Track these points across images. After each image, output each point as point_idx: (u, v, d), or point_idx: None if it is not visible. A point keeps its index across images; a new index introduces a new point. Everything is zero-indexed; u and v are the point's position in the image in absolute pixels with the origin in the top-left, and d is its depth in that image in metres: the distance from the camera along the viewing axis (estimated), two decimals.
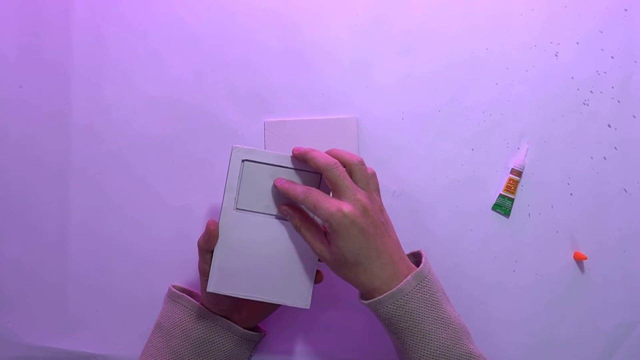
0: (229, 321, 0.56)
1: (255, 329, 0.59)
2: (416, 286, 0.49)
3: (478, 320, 0.61)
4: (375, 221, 0.49)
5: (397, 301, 0.48)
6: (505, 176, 0.62)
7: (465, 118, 0.63)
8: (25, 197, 0.63)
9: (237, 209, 0.53)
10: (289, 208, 0.52)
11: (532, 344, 0.61)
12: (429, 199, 0.62)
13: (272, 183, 0.53)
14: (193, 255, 0.58)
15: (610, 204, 0.62)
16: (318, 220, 0.52)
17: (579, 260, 0.62)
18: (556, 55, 0.63)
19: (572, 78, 0.63)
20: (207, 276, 0.53)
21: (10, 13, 0.64)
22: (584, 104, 0.63)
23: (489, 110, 0.63)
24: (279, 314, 0.62)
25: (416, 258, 0.55)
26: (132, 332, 0.62)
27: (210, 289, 0.52)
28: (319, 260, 0.52)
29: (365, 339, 0.62)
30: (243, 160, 0.52)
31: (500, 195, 0.62)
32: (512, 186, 0.62)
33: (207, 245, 0.52)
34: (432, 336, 0.48)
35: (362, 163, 0.51)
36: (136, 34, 0.64)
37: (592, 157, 0.63)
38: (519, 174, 0.62)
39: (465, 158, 0.63)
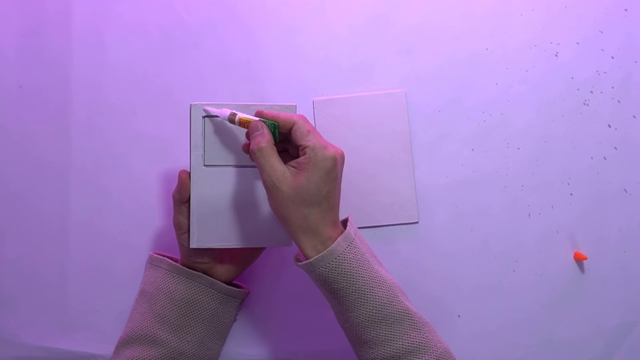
0: (211, 278, 0.56)
1: (238, 287, 0.59)
2: (346, 247, 0.49)
3: (478, 320, 0.61)
4: (340, 174, 0.50)
5: (330, 262, 0.48)
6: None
7: (465, 118, 0.63)
8: (25, 197, 0.63)
9: (205, 165, 0.53)
10: (260, 122, 0.50)
11: (532, 344, 0.61)
12: (429, 199, 0.62)
13: (236, 134, 0.53)
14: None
15: (610, 204, 0.62)
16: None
17: (579, 260, 0.62)
18: (556, 55, 0.63)
19: (572, 78, 0.63)
20: (183, 230, 0.54)
21: (10, 13, 0.64)
22: (584, 104, 0.63)
23: (489, 110, 0.63)
24: (279, 315, 0.62)
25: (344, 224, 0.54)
26: None
27: (193, 245, 0.53)
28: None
29: None
30: (204, 117, 0.53)
31: None
32: None
33: (181, 196, 0.54)
34: (368, 295, 0.48)
35: (304, 118, 0.51)
36: (136, 34, 0.64)
37: (592, 157, 0.63)
38: None
39: (465, 158, 0.63)
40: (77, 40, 0.64)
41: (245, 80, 0.64)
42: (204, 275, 0.56)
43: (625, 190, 0.63)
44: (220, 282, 0.57)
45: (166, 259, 0.58)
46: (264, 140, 0.49)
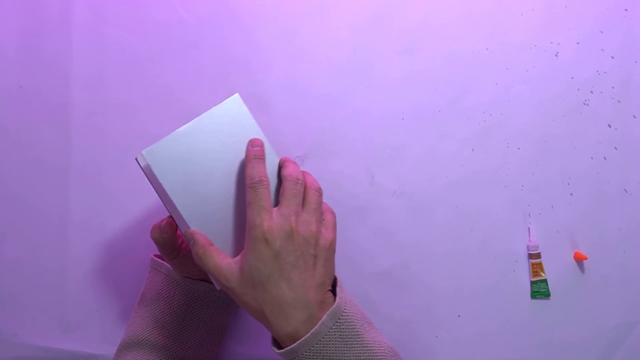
0: (210, 284, 0.56)
1: None
2: (332, 326, 0.44)
3: (478, 320, 0.61)
4: (296, 251, 0.44)
5: (313, 347, 0.43)
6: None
7: (465, 118, 0.63)
8: (25, 197, 0.63)
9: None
10: (192, 231, 0.48)
11: (532, 344, 0.61)
12: (429, 199, 0.62)
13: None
14: None
15: (610, 204, 0.62)
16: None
17: (579, 260, 0.62)
18: (556, 55, 0.63)
19: (572, 78, 0.63)
20: (173, 256, 0.53)
21: (10, 13, 0.64)
22: (584, 104, 0.63)
23: (489, 110, 0.63)
24: None
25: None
26: None
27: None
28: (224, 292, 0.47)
29: None
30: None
31: (533, 283, 0.61)
32: (538, 269, 0.61)
33: (164, 239, 0.52)
34: None
35: (319, 192, 0.48)
36: (136, 34, 0.64)
37: (592, 157, 0.63)
38: (537, 255, 0.61)
39: (465, 158, 0.63)
40: (77, 40, 0.64)
41: (245, 80, 0.64)
42: (203, 282, 0.56)
43: (625, 190, 0.63)
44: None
45: (166, 263, 0.57)
46: (199, 246, 0.46)
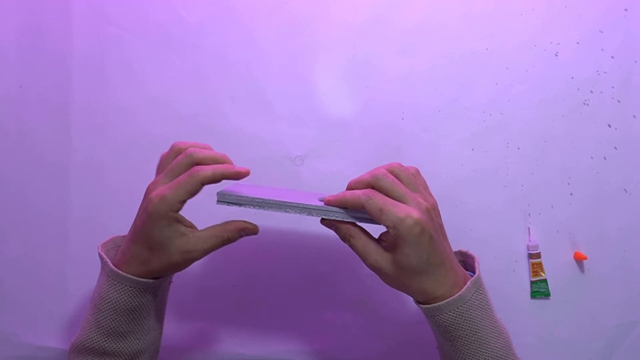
0: (154, 280, 0.50)
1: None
2: (475, 293, 0.47)
3: None
4: (436, 225, 0.47)
5: (458, 308, 0.46)
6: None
7: (465, 118, 0.63)
8: (25, 197, 0.63)
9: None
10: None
11: (532, 344, 0.61)
12: None
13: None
14: None
15: (610, 204, 0.62)
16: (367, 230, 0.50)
17: (579, 260, 0.62)
18: (556, 55, 0.63)
19: (572, 78, 0.63)
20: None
21: (10, 13, 0.64)
22: (584, 104, 0.63)
23: (489, 110, 0.63)
24: (279, 315, 0.62)
25: (462, 257, 0.54)
26: None
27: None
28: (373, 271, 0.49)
29: (365, 339, 0.62)
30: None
31: (533, 283, 0.62)
32: (538, 269, 0.61)
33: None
34: (489, 345, 0.47)
35: (399, 165, 0.49)
36: (136, 34, 0.64)
37: (592, 157, 0.63)
38: (537, 255, 0.61)
39: (465, 158, 0.63)
40: (77, 40, 0.64)
41: (245, 80, 0.64)
42: (148, 281, 0.49)
43: (625, 190, 0.63)
44: (163, 280, 0.51)
45: (109, 260, 0.50)
46: (342, 229, 0.48)
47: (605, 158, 0.63)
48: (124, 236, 0.53)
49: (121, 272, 0.49)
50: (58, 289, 0.62)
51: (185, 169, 0.48)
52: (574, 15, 0.64)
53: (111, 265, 0.50)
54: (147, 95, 0.64)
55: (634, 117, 0.63)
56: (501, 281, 0.62)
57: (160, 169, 0.51)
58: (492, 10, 0.64)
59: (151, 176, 0.63)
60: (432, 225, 0.46)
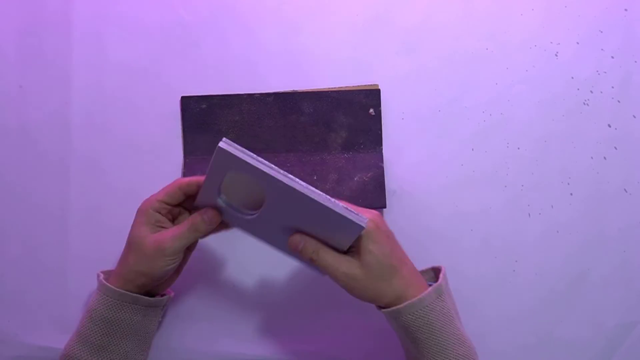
0: (134, 294, 0.52)
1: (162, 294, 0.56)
2: (436, 299, 0.49)
3: (478, 320, 0.61)
4: (389, 229, 0.50)
5: (417, 311, 0.48)
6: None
7: (465, 118, 0.63)
8: (25, 196, 0.63)
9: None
10: (299, 235, 0.50)
11: (532, 344, 0.61)
12: (429, 199, 0.62)
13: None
14: (197, 253, 0.58)
15: (610, 204, 0.62)
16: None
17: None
18: (556, 55, 0.63)
19: (572, 78, 0.63)
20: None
21: (10, 13, 0.64)
22: (584, 104, 0.63)
23: (489, 110, 0.63)
24: (279, 315, 0.62)
25: (434, 272, 0.55)
26: None
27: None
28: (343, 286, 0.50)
29: (365, 339, 0.62)
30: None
31: None
32: None
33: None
34: (449, 351, 0.49)
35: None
36: (136, 34, 0.64)
37: (592, 157, 0.63)
38: None
39: (465, 158, 0.63)
40: (77, 40, 0.64)
41: (246, 79, 0.64)
42: (126, 292, 0.51)
43: (625, 190, 0.63)
44: (143, 296, 0.52)
45: (101, 276, 0.54)
46: (311, 247, 0.50)
47: (605, 158, 0.63)
48: None
49: (103, 281, 0.53)
50: (58, 288, 0.62)
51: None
52: (574, 15, 0.64)
53: (102, 276, 0.53)
54: (147, 95, 0.64)
55: (634, 117, 0.63)
56: (501, 281, 0.62)
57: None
58: (492, 10, 0.64)
59: (151, 176, 0.63)
60: (384, 225, 0.50)
